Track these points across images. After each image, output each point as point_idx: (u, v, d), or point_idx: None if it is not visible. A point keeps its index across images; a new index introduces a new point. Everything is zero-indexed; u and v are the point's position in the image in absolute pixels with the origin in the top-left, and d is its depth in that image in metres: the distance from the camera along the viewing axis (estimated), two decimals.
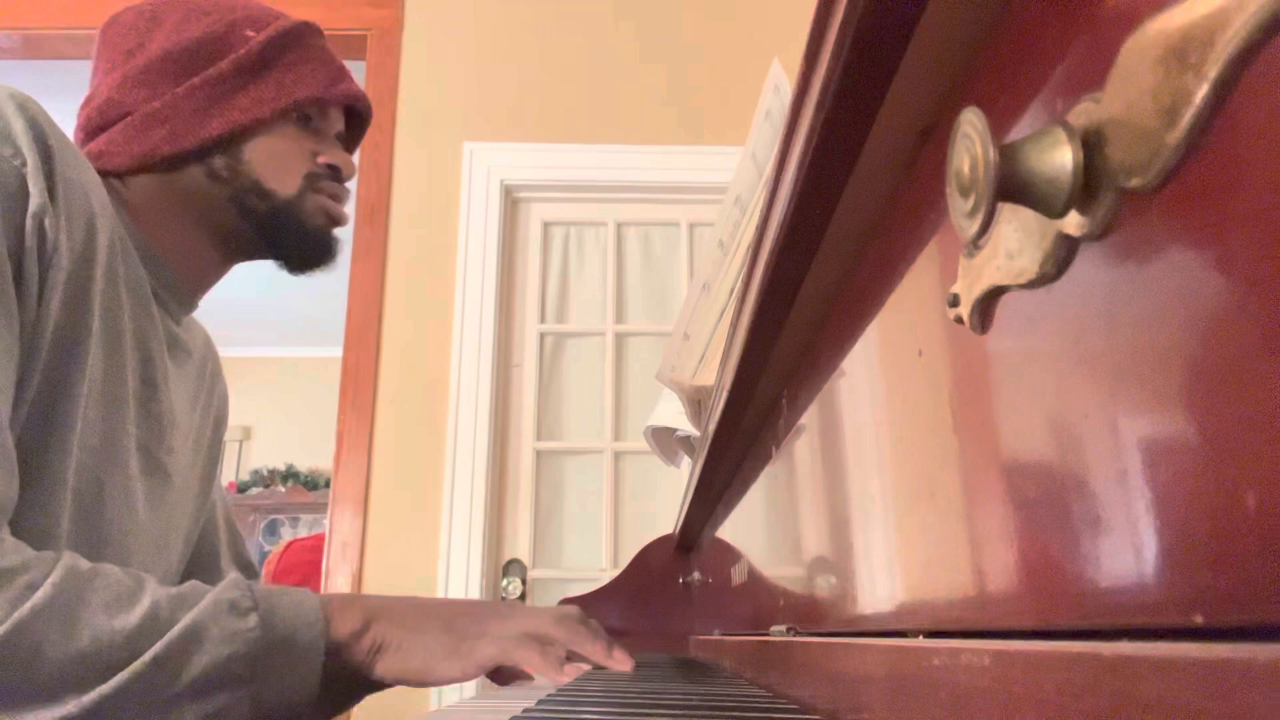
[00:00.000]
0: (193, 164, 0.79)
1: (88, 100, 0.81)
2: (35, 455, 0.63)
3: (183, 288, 0.82)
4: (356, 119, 0.92)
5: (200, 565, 0.91)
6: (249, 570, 0.99)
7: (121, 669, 0.55)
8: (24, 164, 0.61)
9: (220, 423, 0.95)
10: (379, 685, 0.73)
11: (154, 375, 0.76)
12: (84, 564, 0.58)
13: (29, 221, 0.61)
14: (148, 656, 0.55)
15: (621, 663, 0.74)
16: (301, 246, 0.84)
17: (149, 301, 0.76)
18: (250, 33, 0.82)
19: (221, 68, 0.80)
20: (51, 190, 0.63)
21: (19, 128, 0.62)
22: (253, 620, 0.60)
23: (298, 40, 0.84)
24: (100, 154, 0.78)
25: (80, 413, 0.66)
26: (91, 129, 0.79)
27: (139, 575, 0.60)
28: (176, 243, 0.80)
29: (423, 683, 0.66)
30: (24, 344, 0.61)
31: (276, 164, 0.82)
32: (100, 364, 0.69)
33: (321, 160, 0.84)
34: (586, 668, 0.70)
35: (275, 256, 0.85)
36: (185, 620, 0.58)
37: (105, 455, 0.69)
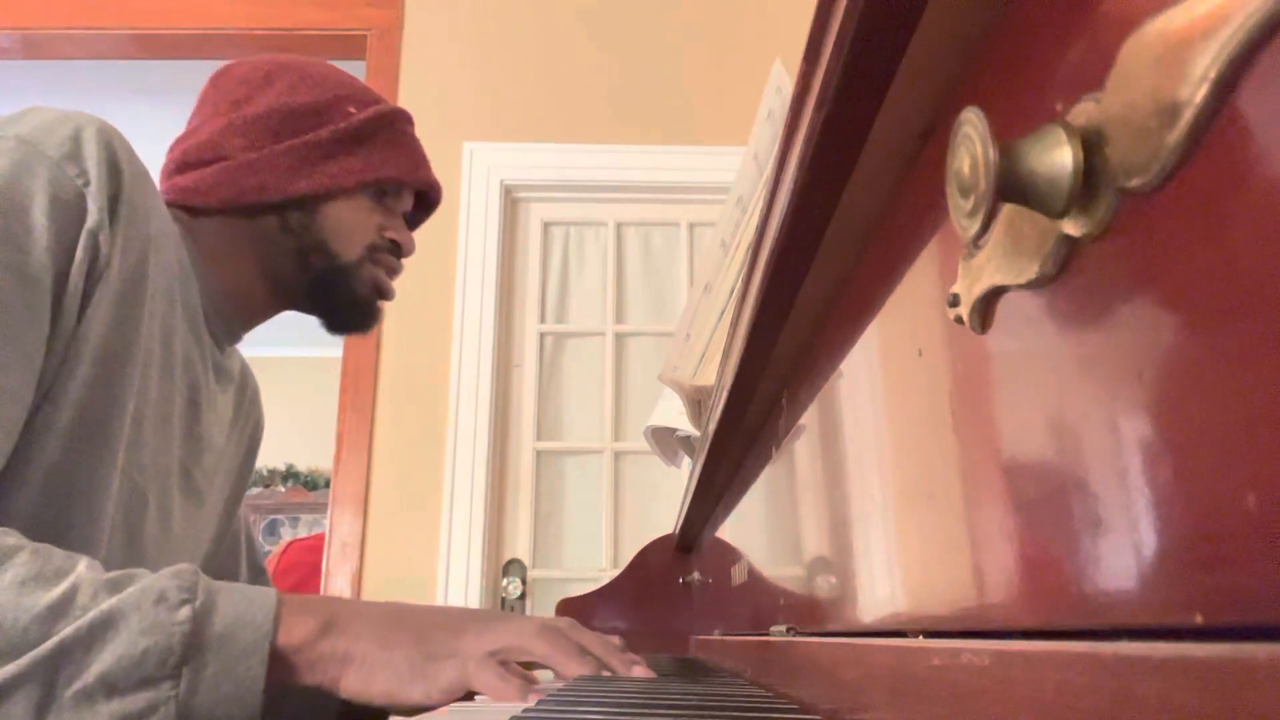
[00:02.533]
0: (270, 214, 0.84)
1: (187, 135, 0.87)
2: (81, 468, 0.64)
3: (232, 321, 0.87)
4: (425, 203, 0.98)
5: None
6: None
7: (23, 653, 0.50)
8: (86, 183, 0.65)
9: (253, 449, 0.98)
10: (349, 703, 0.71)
11: (199, 398, 0.80)
12: (13, 540, 0.54)
13: (83, 236, 0.64)
14: (52, 641, 0.50)
15: (623, 666, 0.67)
16: (346, 310, 0.90)
17: (201, 329, 0.81)
18: (352, 110, 0.88)
19: (321, 135, 0.85)
20: (114, 211, 0.66)
21: (90, 151, 0.66)
22: (184, 614, 0.54)
23: (391, 125, 0.90)
24: (187, 189, 0.83)
25: (127, 428, 0.68)
26: (186, 164, 0.84)
27: (77, 557, 0.55)
28: (235, 282, 0.85)
29: (388, 705, 0.60)
30: (59, 352, 0.63)
31: (345, 230, 0.87)
32: (156, 384, 0.72)
33: (387, 235, 0.90)
34: (554, 688, 0.61)
35: (319, 313, 0.90)
36: (103, 605, 0.52)
37: (153, 473, 0.72)
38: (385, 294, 0.92)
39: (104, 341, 0.66)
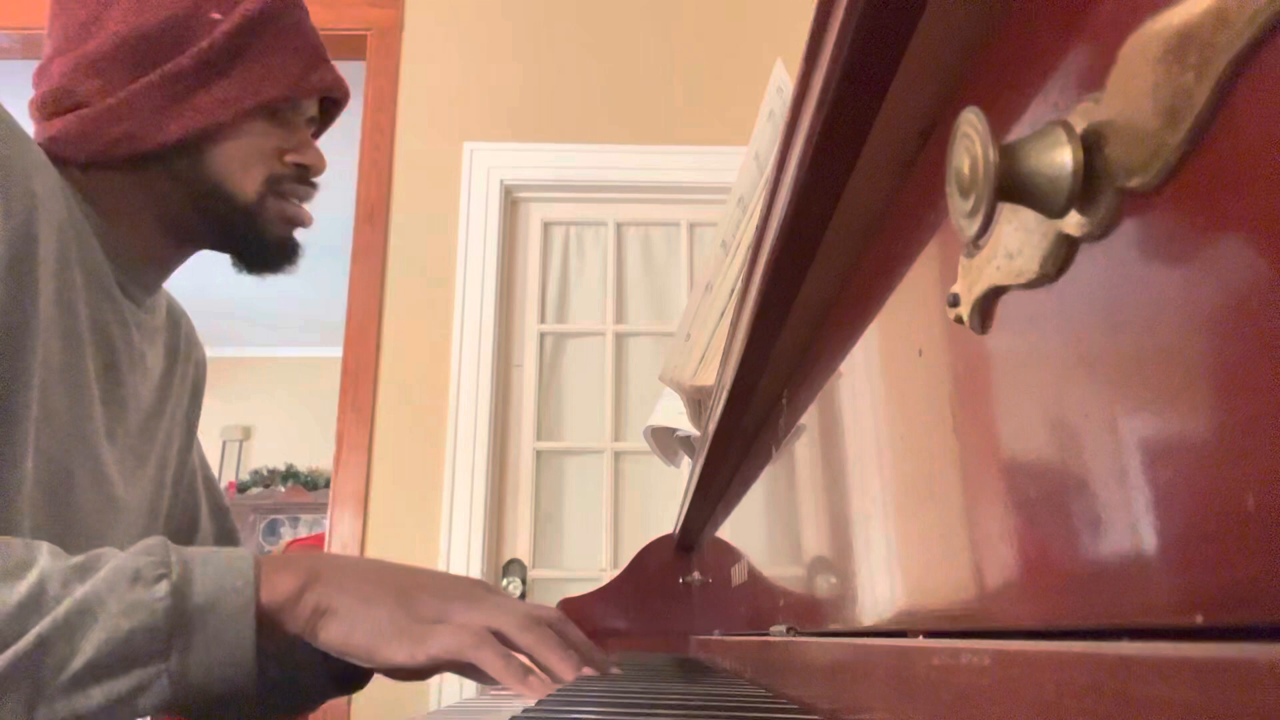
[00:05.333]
0: (152, 164, 0.75)
1: (41, 69, 0.76)
2: None
3: (144, 274, 0.79)
4: (333, 101, 0.86)
5: (176, 540, 0.90)
6: (231, 543, 0.96)
7: (2, 651, 0.49)
8: None
9: (198, 391, 0.92)
10: (347, 683, 0.68)
11: (116, 360, 0.74)
12: None
13: None
14: (31, 636, 0.49)
15: (603, 667, 0.66)
16: (258, 252, 0.81)
17: (109, 285, 0.74)
18: (216, 15, 0.75)
19: (182, 63, 0.73)
20: None
21: None
22: (162, 589, 0.53)
23: (269, 24, 0.77)
24: (55, 139, 0.73)
25: (34, 403, 0.63)
26: (46, 112, 0.75)
27: (35, 546, 0.53)
28: (136, 233, 0.77)
29: (367, 661, 0.59)
30: None
31: (238, 166, 0.77)
32: (58, 353, 0.66)
33: (289, 159, 0.80)
34: (554, 684, 0.60)
35: (232, 255, 0.82)
36: (78, 594, 0.51)
37: (72, 445, 0.67)
38: (298, 223, 0.82)
39: None
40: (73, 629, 0.50)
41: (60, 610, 0.50)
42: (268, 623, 0.56)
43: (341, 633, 0.58)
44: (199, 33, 0.74)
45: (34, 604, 0.50)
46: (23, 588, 0.50)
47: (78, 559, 0.53)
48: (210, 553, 0.57)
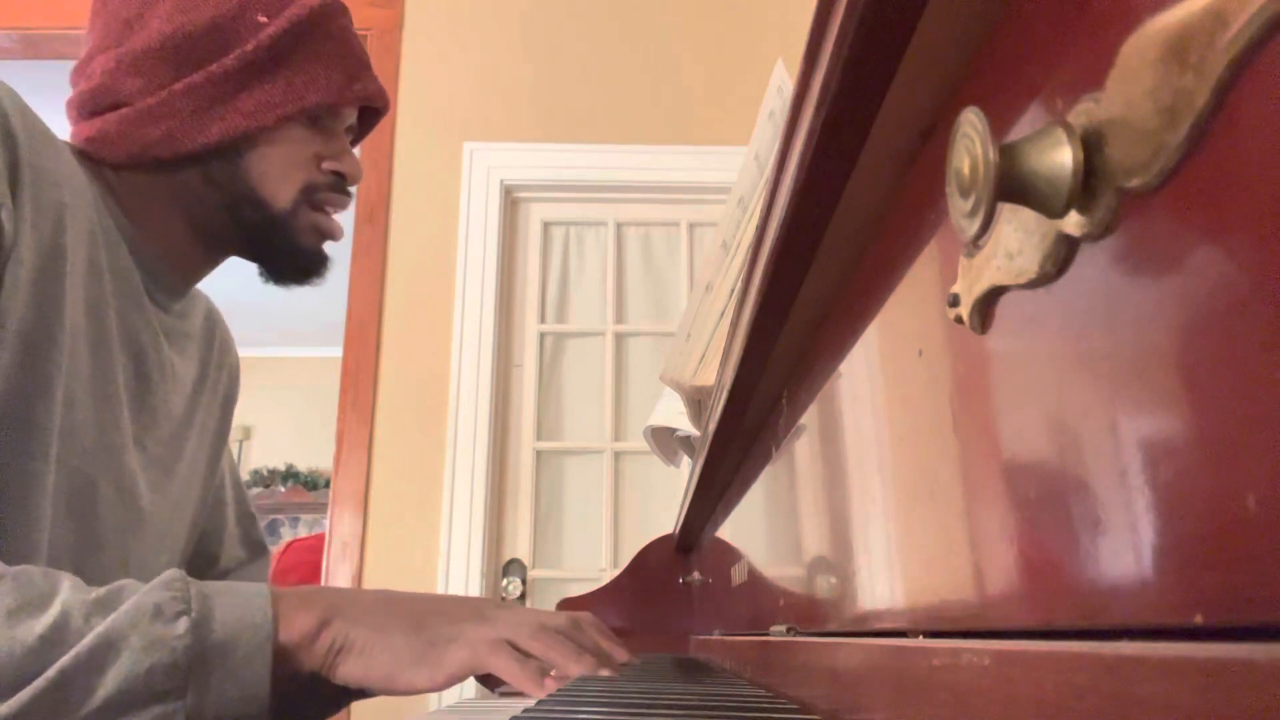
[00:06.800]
0: (189, 167, 0.75)
1: (81, 67, 0.76)
2: (9, 467, 0.61)
3: (172, 279, 0.79)
4: (371, 110, 0.87)
5: (203, 548, 0.90)
6: (258, 550, 0.97)
7: (22, 686, 0.48)
8: None
9: (230, 399, 0.92)
10: (352, 694, 0.68)
11: (146, 368, 0.74)
12: None
13: None
14: (52, 671, 0.49)
15: (608, 668, 0.67)
16: (289, 262, 0.81)
17: (139, 292, 0.74)
18: (262, 19, 0.74)
19: (226, 64, 0.73)
20: (15, 182, 0.60)
21: None
22: (182, 626, 0.52)
23: (314, 30, 0.76)
24: (92, 139, 0.73)
25: (58, 416, 0.63)
26: (85, 112, 0.74)
27: (57, 577, 0.53)
28: (166, 237, 0.77)
29: (388, 690, 0.60)
30: None
31: (276, 173, 0.76)
32: (87, 363, 0.67)
33: (326, 166, 0.79)
34: (570, 678, 0.62)
35: (260, 264, 0.82)
36: (99, 628, 0.50)
37: (98, 456, 0.68)
38: (330, 235, 0.81)
39: (23, 326, 0.61)
40: (94, 665, 0.50)
41: (83, 646, 0.50)
42: (283, 660, 0.57)
43: (360, 667, 0.59)
44: (244, 35, 0.74)
45: (57, 639, 0.50)
46: (45, 620, 0.50)
47: (99, 592, 0.53)
48: (230, 588, 0.57)
